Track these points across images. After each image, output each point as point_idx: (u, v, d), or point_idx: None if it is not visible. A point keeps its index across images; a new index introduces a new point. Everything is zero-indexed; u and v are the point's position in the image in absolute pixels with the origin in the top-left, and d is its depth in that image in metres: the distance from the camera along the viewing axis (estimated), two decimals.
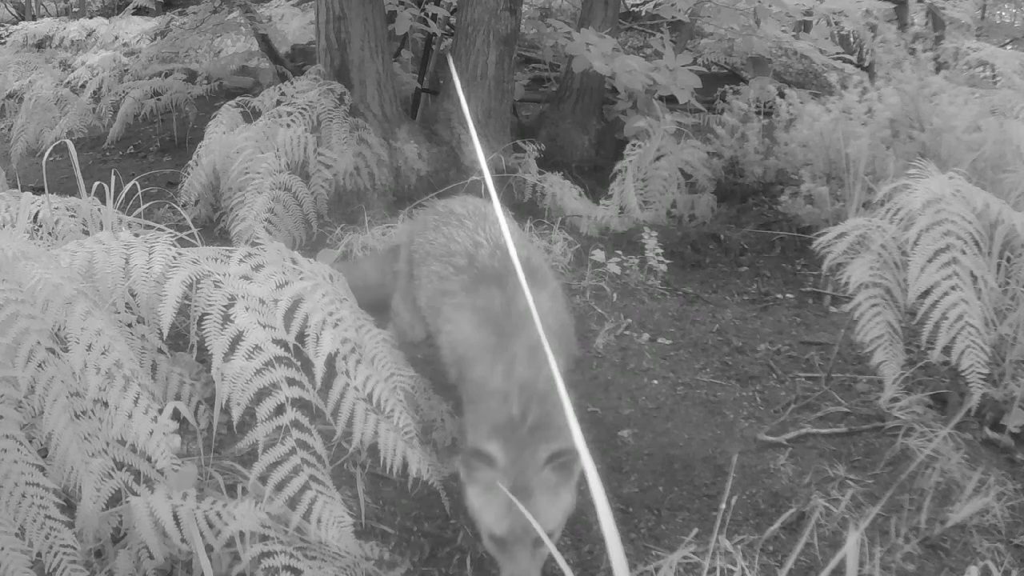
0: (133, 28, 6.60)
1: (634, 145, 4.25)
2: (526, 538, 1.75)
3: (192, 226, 2.60)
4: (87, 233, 2.40)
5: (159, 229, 2.11)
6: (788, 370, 2.94)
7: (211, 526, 1.67)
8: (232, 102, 4.10)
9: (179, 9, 7.16)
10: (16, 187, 3.78)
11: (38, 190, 2.60)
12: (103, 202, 2.53)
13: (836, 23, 5.67)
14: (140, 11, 7.53)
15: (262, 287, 1.86)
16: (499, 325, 2.00)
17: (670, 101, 4.57)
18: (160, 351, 2.05)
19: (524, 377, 1.88)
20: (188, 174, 3.89)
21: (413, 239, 2.51)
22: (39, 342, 1.59)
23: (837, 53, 5.23)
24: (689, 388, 2.84)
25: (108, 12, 8.11)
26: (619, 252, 3.76)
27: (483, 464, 1.77)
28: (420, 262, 2.38)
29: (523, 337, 1.95)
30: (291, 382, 1.76)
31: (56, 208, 2.40)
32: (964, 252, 2.25)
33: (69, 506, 1.62)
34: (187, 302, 1.81)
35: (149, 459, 1.66)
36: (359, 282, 2.97)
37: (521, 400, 1.84)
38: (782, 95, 4.45)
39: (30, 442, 1.57)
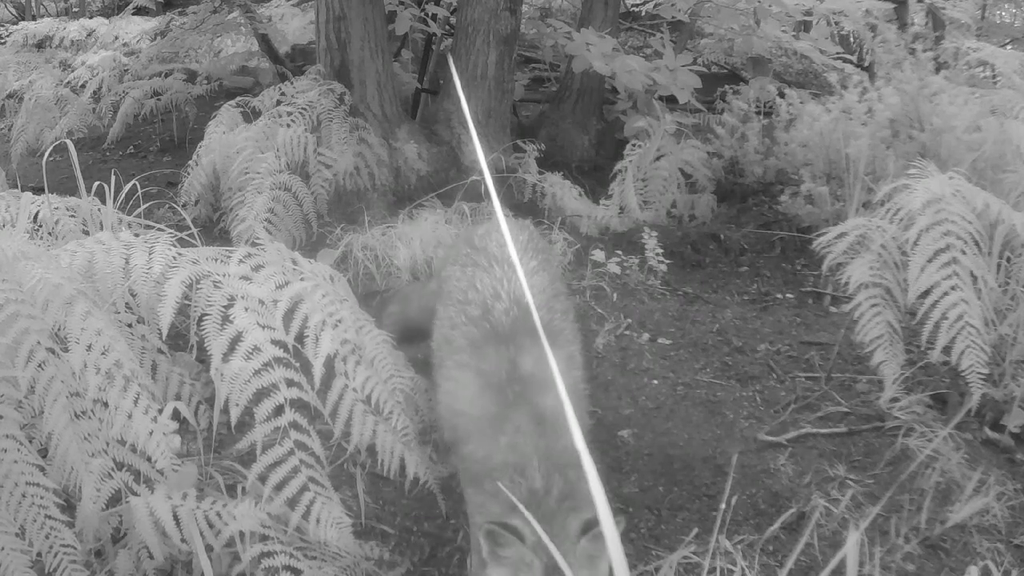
0: (133, 28, 6.59)
1: (634, 145, 4.25)
2: None
3: (192, 226, 2.60)
4: (87, 233, 2.40)
5: (159, 229, 2.11)
6: (788, 370, 2.94)
7: (211, 526, 1.68)
8: (232, 102, 4.10)
9: (179, 9, 7.15)
10: (16, 187, 3.78)
11: (38, 190, 2.60)
12: (103, 202, 2.53)
13: (836, 23, 5.66)
14: (140, 11, 7.52)
15: (262, 287, 1.86)
16: (503, 394, 1.79)
17: (670, 101, 4.57)
18: (160, 351, 2.05)
19: (540, 447, 1.69)
20: (188, 174, 3.89)
21: (445, 266, 2.27)
22: (39, 342, 1.59)
23: (837, 53, 5.23)
24: (689, 388, 2.84)
25: (108, 12, 8.11)
26: (619, 252, 3.76)
27: (511, 540, 1.53)
28: (443, 299, 2.14)
29: (531, 405, 1.75)
30: (290, 383, 1.75)
31: (56, 208, 2.40)
32: (964, 252, 2.25)
33: (69, 506, 1.62)
34: (187, 302, 1.81)
35: (149, 459, 1.66)
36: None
37: (542, 471, 1.65)
38: (782, 95, 4.45)
39: (30, 442, 1.57)
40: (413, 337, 2.47)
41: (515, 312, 1.92)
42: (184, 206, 3.80)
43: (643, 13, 6.33)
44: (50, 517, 1.52)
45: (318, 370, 1.80)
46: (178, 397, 2.03)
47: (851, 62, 5.29)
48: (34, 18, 8.09)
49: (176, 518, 1.62)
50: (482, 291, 1.98)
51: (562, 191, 4.23)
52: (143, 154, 5.48)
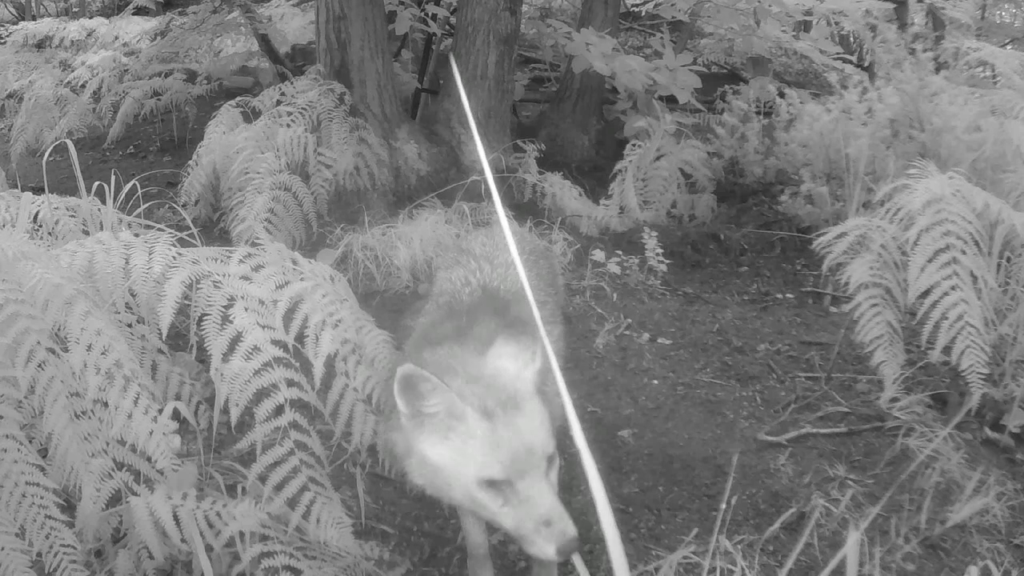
0: (133, 28, 6.59)
1: (634, 145, 4.25)
2: (536, 462, 1.34)
3: (192, 226, 2.60)
4: (87, 233, 2.40)
5: (159, 229, 2.10)
6: (788, 370, 2.94)
7: (211, 526, 1.67)
8: (232, 102, 4.10)
9: (179, 9, 7.15)
10: (16, 187, 3.78)
11: (38, 190, 2.60)
12: (103, 202, 2.53)
13: (836, 23, 5.66)
14: (140, 11, 7.51)
15: (262, 287, 1.86)
16: (444, 329, 1.74)
17: (670, 101, 4.57)
18: (160, 351, 2.04)
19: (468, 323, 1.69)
20: (188, 174, 3.90)
21: (437, 273, 2.28)
22: (39, 342, 1.59)
23: (837, 53, 5.24)
24: (689, 388, 2.84)
25: (108, 12, 8.11)
26: (619, 252, 3.76)
27: (436, 385, 1.35)
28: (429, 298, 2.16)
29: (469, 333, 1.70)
30: (290, 383, 1.75)
31: (56, 208, 2.40)
32: (964, 252, 2.25)
33: (69, 506, 1.62)
34: (187, 302, 1.81)
35: (149, 459, 1.66)
36: None
37: (470, 313, 1.70)
38: (782, 95, 4.45)
39: (30, 442, 1.57)
40: None
41: (478, 294, 1.94)
42: (184, 206, 3.80)
43: (643, 13, 6.33)
44: (50, 517, 1.52)
45: (318, 370, 1.80)
46: (178, 397, 2.03)
47: (851, 62, 5.30)
48: (34, 18, 8.09)
49: (176, 518, 1.62)
50: (455, 282, 2.03)
51: (562, 191, 4.23)
52: (143, 154, 5.48)
